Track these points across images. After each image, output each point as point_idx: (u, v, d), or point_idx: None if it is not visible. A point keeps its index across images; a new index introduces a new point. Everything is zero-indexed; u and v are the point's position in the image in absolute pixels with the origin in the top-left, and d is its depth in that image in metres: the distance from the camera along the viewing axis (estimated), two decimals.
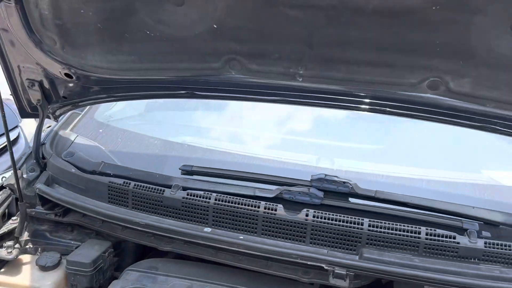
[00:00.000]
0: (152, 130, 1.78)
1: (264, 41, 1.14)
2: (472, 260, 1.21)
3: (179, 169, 1.48)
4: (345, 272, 1.20)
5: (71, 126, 1.79)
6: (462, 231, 1.25)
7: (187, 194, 1.36)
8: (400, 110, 1.24)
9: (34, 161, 1.58)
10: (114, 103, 1.91)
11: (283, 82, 1.22)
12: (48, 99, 1.50)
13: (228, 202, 1.33)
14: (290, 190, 1.36)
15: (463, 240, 1.21)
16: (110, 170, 1.49)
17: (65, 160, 1.56)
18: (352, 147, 1.75)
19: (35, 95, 1.48)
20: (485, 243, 1.21)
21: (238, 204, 1.32)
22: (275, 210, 1.30)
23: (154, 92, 1.43)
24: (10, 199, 1.55)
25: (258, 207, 1.31)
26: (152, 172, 1.48)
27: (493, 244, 1.21)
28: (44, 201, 1.53)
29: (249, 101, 1.44)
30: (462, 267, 1.19)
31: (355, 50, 1.11)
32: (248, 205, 1.32)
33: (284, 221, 1.29)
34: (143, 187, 1.40)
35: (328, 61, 1.16)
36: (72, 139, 1.70)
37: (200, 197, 1.35)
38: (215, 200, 1.33)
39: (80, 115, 1.86)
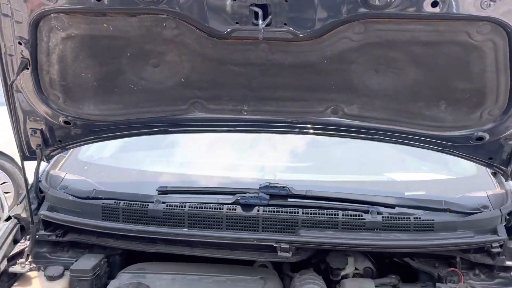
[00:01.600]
0: (129, 164, 2.19)
1: (218, 88, 1.64)
2: (375, 230, 1.72)
3: (156, 190, 1.90)
4: (288, 246, 1.66)
5: (59, 166, 2.16)
6: (367, 212, 1.77)
7: (167, 206, 1.78)
8: (317, 130, 1.77)
9: (34, 195, 1.93)
10: (92, 145, 2.30)
11: (233, 116, 1.72)
12: (46, 143, 1.89)
13: (199, 208, 1.77)
14: (244, 196, 1.82)
15: (367, 217, 1.73)
16: (102, 195, 1.87)
17: (62, 191, 1.93)
18: (288, 165, 2.27)
19: (35, 141, 1.85)
20: (382, 217, 1.73)
21: (207, 208, 1.76)
22: (235, 210, 1.75)
23: (133, 131, 1.86)
24: (17, 227, 1.88)
25: (222, 209, 1.76)
26: (135, 193, 1.89)
27: (388, 217, 1.73)
28: (47, 225, 1.88)
29: (209, 132, 1.90)
30: (368, 235, 1.70)
31: (280, 91, 1.63)
32: (215, 209, 1.76)
33: (242, 217, 1.75)
34: (131, 204, 1.80)
35: (264, 99, 1.67)
36: (63, 176, 2.07)
37: (177, 206, 1.78)
38: (189, 207, 1.77)
39: (65, 157, 2.23)
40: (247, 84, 1.60)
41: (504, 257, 1.76)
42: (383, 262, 1.95)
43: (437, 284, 1.73)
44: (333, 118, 1.67)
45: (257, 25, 1.36)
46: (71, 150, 2.25)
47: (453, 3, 1.30)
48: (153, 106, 1.72)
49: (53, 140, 1.87)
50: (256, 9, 1.34)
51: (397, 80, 1.52)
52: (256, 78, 1.58)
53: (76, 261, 1.84)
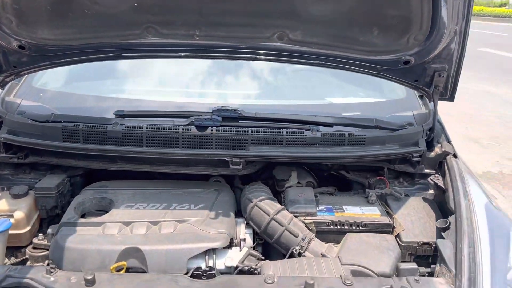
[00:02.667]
0: (85, 91, 2.26)
1: (171, 13, 1.72)
2: (315, 145, 1.95)
3: (114, 114, 2.00)
4: (239, 160, 1.86)
5: (13, 93, 2.20)
6: (308, 130, 1.98)
7: (125, 127, 1.90)
8: (264, 56, 1.91)
9: None
10: (46, 73, 2.33)
11: (185, 41, 1.82)
12: (0, 69, 1.92)
13: (157, 128, 1.91)
14: (198, 118, 1.97)
15: (308, 134, 1.94)
16: (61, 118, 1.96)
17: (21, 116, 1.99)
18: (238, 92, 2.42)
19: None
20: (321, 134, 1.95)
21: (164, 129, 1.91)
22: (190, 130, 1.91)
23: (88, 56, 1.92)
24: None
25: (178, 129, 1.90)
26: (93, 116, 1.99)
27: (326, 134, 1.95)
28: (7, 148, 1.96)
29: (162, 58, 2.00)
30: (309, 149, 1.93)
31: (230, 16, 1.74)
32: (171, 129, 1.90)
33: (197, 136, 1.90)
34: (90, 126, 1.91)
35: (214, 25, 1.78)
36: (19, 102, 2.12)
37: (135, 127, 1.91)
38: (147, 128, 1.90)
39: (19, 85, 2.26)
40: (199, 9, 1.69)
41: (423, 165, 2.06)
42: (322, 175, 2.21)
43: (367, 190, 2.01)
44: (279, 44, 1.81)
45: None
46: (25, 77, 2.28)
47: None
48: (107, 30, 1.78)
49: (7, 65, 1.90)
50: None
51: (335, 7, 1.67)
52: (207, 3, 1.67)
53: (39, 181, 1.96)
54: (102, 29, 1.78)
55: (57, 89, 2.30)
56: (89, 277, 1.33)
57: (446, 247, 1.56)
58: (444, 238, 1.64)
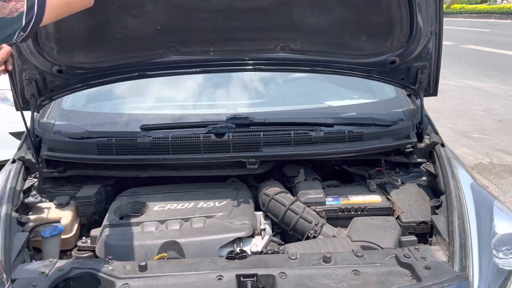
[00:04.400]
0: (111, 110, 2.52)
1: (189, 33, 2.00)
2: (319, 143, 2.21)
3: (140, 128, 2.26)
4: (254, 160, 2.13)
5: (46, 115, 2.45)
6: (313, 130, 2.25)
7: (153, 138, 2.16)
8: (269, 66, 2.19)
9: (32, 139, 2.23)
10: (72, 97, 2.59)
11: (201, 57, 2.10)
12: (39, 93, 2.17)
13: (180, 137, 2.16)
14: (215, 126, 2.23)
15: (313, 134, 2.20)
16: (94, 134, 2.22)
17: (57, 135, 2.24)
18: (247, 102, 2.69)
19: (30, 91, 2.12)
20: (324, 133, 2.21)
21: (187, 138, 2.17)
22: (210, 137, 2.17)
23: (115, 77, 2.18)
24: (22, 167, 2.19)
25: (199, 137, 2.17)
26: (122, 131, 2.24)
27: (328, 133, 2.22)
28: (47, 164, 2.21)
29: (182, 74, 2.27)
30: (314, 147, 2.19)
31: (239, 32, 2.03)
32: (193, 137, 2.17)
33: (216, 142, 2.16)
34: (122, 139, 2.16)
35: (226, 41, 2.06)
36: (53, 123, 2.38)
37: (161, 138, 2.16)
38: (172, 138, 2.16)
39: (49, 108, 2.51)
40: (212, 27, 1.98)
41: (415, 155, 2.33)
42: (326, 171, 2.48)
43: (368, 180, 2.28)
44: (281, 54, 2.10)
45: None
46: (54, 102, 2.53)
47: None
48: (134, 52, 2.06)
49: (45, 90, 2.16)
50: None
51: (328, 18, 1.97)
52: (219, 22, 1.96)
53: (78, 191, 2.21)
54: (129, 51, 2.05)
55: (84, 109, 2.56)
56: (142, 264, 1.58)
57: (439, 221, 1.83)
58: (437, 214, 1.91)
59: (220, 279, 1.52)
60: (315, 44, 2.08)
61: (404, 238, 1.84)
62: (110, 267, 1.60)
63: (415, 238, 1.85)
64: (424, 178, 2.32)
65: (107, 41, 1.99)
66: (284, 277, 1.52)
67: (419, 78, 2.19)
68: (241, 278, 1.53)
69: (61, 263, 1.62)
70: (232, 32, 2.02)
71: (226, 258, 1.68)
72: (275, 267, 1.58)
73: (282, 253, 1.80)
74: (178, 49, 2.04)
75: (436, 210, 1.94)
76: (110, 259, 1.63)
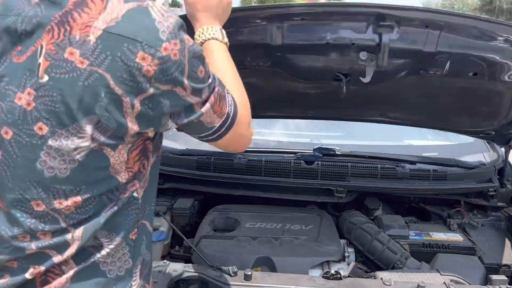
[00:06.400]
0: None
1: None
2: (405, 179, 2.32)
3: None
4: (342, 189, 2.25)
5: None
6: (398, 166, 2.36)
7: (248, 160, 2.34)
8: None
9: None
10: None
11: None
12: None
13: (273, 161, 2.33)
14: (303, 154, 2.39)
15: (399, 169, 2.32)
16: (194, 152, 2.42)
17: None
18: (329, 134, 2.85)
19: None
20: (409, 170, 2.32)
21: (279, 162, 2.33)
22: (300, 163, 2.33)
23: None
24: None
25: (290, 163, 2.33)
26: (220, 151, 2.43)
27: (414, 170, 2.33)
28: None
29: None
30: (400, 182, 2.30)
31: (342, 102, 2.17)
32: (284, 162, 2.33)
33: (305, 169, 2.32)
34: (220, 158, 2.35)
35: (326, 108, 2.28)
36: None
37: (255, 160, 2.34)
38: (265, 161, 2.33)
39: None
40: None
41: (496, 199, 2.39)
42: (402, 207, 2.56)
43: (448, 219, 2.35)
44: (379, 118, 2.29)
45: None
46: None
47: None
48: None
49: None
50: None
51: (432, 101, 2.11)
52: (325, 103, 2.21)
53: (173, 202, 2.39)
54: None
55: None
56: (248, 273, 1.71)
57: None
58: None
59: None
60: (413, 115, 2.23)
61: (495, 277, 1.89)
62: (218, 273, 1.74)
63: (506, 278, 1.89)
64: (503, 223, 2.36)
65: None
66: None
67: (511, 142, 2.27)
68: None
69: (173, 265, 1.78)
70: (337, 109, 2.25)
71: (322, 277, 1.79)
72: None
73: (374, 278, 1.89)
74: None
75: None
76: (218, 265, 1.77)
